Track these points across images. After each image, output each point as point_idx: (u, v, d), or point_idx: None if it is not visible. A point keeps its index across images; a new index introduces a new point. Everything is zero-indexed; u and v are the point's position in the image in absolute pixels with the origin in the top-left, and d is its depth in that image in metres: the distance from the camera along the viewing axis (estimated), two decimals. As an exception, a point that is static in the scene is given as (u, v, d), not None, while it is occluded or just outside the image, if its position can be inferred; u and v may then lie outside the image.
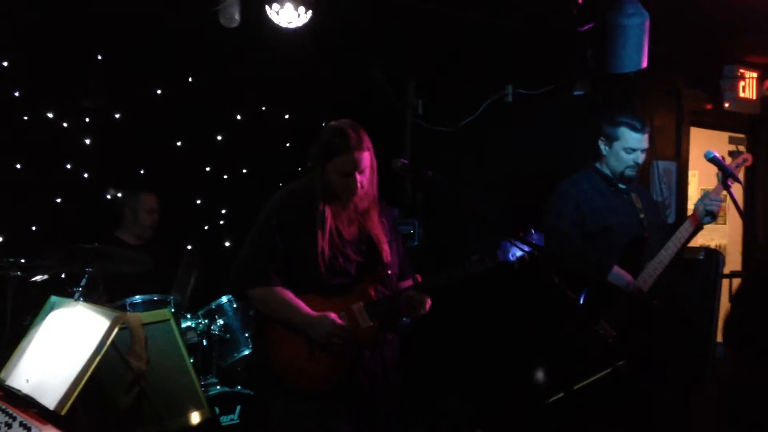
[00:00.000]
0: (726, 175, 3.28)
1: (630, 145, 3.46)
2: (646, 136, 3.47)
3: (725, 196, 3.38)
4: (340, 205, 2.73)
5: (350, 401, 2.72)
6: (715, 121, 5.14)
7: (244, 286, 2.76)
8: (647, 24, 3.80)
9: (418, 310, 2.75)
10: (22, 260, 3.62)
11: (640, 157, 3.47)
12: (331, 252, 2.69)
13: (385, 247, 2.80)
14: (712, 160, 3.32)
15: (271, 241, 2.70)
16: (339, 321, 2.65)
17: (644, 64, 3.88)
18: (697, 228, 3.41)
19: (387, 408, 2.81)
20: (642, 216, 3.50)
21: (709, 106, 4.94)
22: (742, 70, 4.95)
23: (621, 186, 3.54)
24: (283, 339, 2.70)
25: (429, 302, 2.77)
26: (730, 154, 5.03)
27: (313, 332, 2.65)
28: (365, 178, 2.70)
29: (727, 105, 4.93)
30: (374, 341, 2.74)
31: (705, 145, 3.59)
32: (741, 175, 3.45)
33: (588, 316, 3.31)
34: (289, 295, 2.69)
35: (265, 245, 2.71)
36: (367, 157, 2.69)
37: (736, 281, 5.33)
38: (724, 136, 5.42)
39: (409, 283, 2.85)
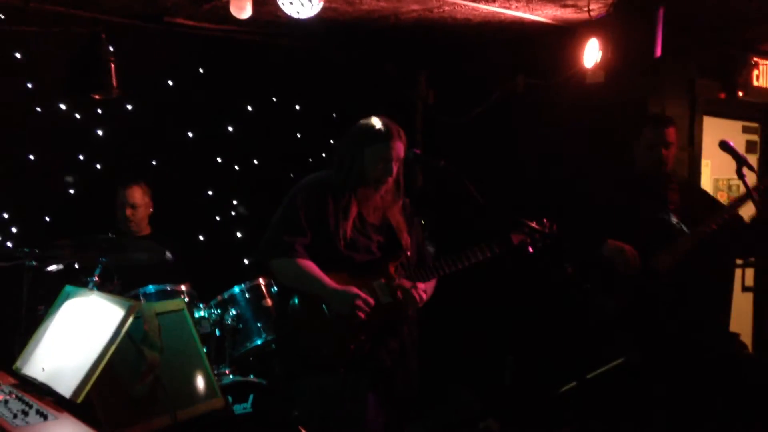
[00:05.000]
0: (740, 164, 3.26)
1: (648, 141, 3.49)
2: (662, 132, 3.46)
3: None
4: (369, 191, 2.82)
5: (374, 376, 2.78)
6: (729, 111, 5.09)
7: (268, 257, 2.82)
8: (660, 13, 3.77)
9: (405, 301, 2.78)
10: (37, 250, 3.64)
11: (662, 152, 3.45)
12: (353, 232, 2.80)
13: (405, 235, 2.91)
14: (726, 149, 3.29)
15: (296, 218, 2.79)
16: (361, 293, 2.71)
17: (658, 53, 3.85)
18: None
19: (406, 387, 2.86)
20: (671, 208, 3.47)
21: (722, 95, 4.89)
22: (756, 59, 4.90)
23: (651, 183, 3.53)
24: (306, 313, 2.76)
25: (417, 296, 2.80)
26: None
27: (336, 303, 2.71)
28: (397, 167, 2.82)
29: (740, 94, 4.88)
30: (393, 317, 2.80)
31: (718, 135, 3.55)
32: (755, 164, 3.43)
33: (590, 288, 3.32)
34: (313, 267, 2.76)
35: (290, 221, 2.80)
36: (402, 148, 2.80)
37: (750, 271, 5.31)
38: (738, 125, 5.38)
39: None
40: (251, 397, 3.73)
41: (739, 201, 3.37)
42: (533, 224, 2.94)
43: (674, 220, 3.46)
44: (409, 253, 2.90)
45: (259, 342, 3.95)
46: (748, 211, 3.41)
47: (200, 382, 3.04)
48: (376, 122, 2.80)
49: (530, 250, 2.93)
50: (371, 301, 2.70)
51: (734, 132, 5.35)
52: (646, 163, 3.54)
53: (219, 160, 5.19)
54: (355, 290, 2.71)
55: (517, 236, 2.93)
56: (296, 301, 2.77)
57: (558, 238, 2.95)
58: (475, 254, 2.90)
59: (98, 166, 4.76)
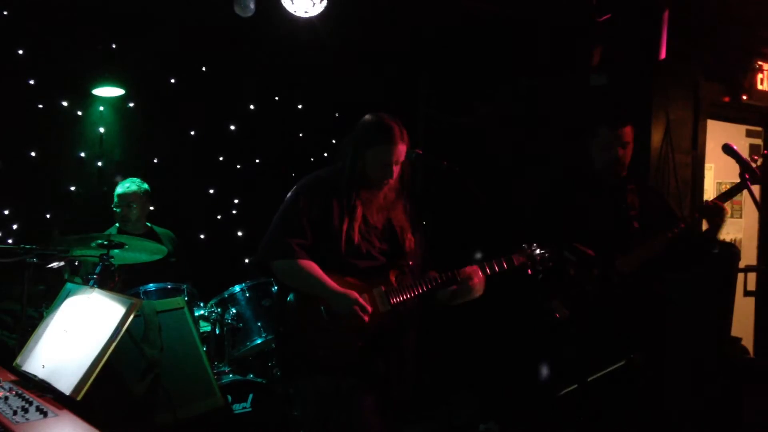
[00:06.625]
0: (744, 169, 3.24)
1: (604, 141, 3.41)
2: (618, 133, 3.39)
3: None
4: (371, 192, 2.79)
5: (369, 381, 2.76)
6: (733, 114, 5.09)
7: (269, 258, 2.78)
8: (665, 15, 3.77)
9: (464, 290, 2.81)
10: (36, 247, 3.63)
11: (618, 152, 3.38)
12: (357, 236, 2.77)
13: (409, 236, 2.88)
14: (730, 152, 3.28)
15: (299, 219, 2.75)
16: (360, 299, 2.70)
17: (662, 55, 3.85)
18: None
19: (400, 394, 2.85)
20: (632, 213, 3.44)
21: (726, 99, 4.88)
22: (760, 63, 4.90)
23: (609, 183, 3.49)
24: (302, 313, 2.74)
25: (480, 280, 2.83)
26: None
27: (336, 303, 2.70)
28: (398, 169, 2.79)
29: (744, 98, 4.88)
30: (391, 325, 2.79)
31: (722, 138, 3.54)
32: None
33: (542, 293, 3.30)
34: (315, 268, 2.74)
35: (291, 222, 2.76)
36: (404, 151, 2.76)
37: (752, 275, 5.30)
38: (742, 129, 5.37)
39: (432, 273, 2.88)
40: (251, 396, 3.73)
41: (703, 210, 3.32)
42: (536, 248, 2.94)
43: (634, 225, 3.40)
44: (411, 263, 2.88)
45: (258, 341, 3.94)
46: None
47: (200, 381, 3.04)
48: (379, 123, 2.75)
49: (529, 272, 2.94)
50: (369, 308, 2.69)
51: (738, 136, 5.34)
52: (602, 164, 3.45)
53: (221, 158, 5.19)
54: (356, 295, 2.70)
55: (518, 258, 2.94)
56: (292, 298, 2.76)
57: (559, 261, 2.95)
58: (500, 263, 2.90)
59: (99, 164, 4.75)
